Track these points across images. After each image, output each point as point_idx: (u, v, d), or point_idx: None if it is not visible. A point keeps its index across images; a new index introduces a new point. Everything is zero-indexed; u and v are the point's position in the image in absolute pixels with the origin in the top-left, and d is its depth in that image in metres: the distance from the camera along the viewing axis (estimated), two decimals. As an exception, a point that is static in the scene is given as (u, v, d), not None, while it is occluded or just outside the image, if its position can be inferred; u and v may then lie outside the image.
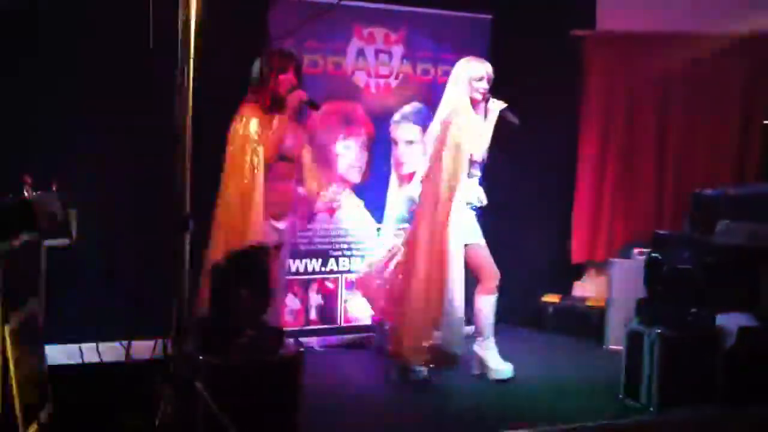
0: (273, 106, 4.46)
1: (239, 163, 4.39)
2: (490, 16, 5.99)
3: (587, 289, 6.39)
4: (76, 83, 4.62)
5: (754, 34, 5.84)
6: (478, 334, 4.97)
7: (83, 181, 3.87)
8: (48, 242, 3.44)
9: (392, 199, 5.74)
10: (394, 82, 5.82)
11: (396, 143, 5.75)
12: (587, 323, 6.01)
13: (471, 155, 4.84)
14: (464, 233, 4.83)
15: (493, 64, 4.96)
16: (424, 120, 5.82)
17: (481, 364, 4.96)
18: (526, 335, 5.93)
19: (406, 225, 5.38)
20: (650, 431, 4.37)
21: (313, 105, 4.64)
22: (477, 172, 4.95)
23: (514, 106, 5.29)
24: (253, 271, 3.98)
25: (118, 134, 4.40)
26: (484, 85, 4.90)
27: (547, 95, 5.56)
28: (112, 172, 4.53)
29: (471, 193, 4.89)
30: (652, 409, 4.44)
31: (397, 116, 5.78)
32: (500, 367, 4.93)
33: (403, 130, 5.77)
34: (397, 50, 5.81)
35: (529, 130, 5.23)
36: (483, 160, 4.94)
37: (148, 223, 3.82)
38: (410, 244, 4.94)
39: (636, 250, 5.62)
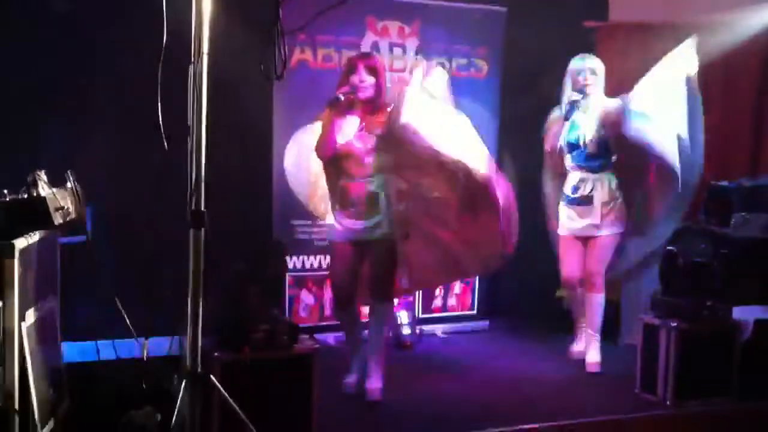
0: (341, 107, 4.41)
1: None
2: (504, 9, 5.97)
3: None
4: (88, 79, 4.63)
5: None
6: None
7: (99, 178, 3.88)
8: (64, 239, 3.46)
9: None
10: (408, 76, 5.79)
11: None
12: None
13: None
14: None
15: (506, 57, 4.95)
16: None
17: None
18: (540, 329, 5.92)
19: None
20: (666, 425, 4.35)
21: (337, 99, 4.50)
22: (575, 161, 5.14)
23: (528, 98, 5.29)
24: (266, 267, 4.01)
25: (134, 130, 4.39)
26: (582, 79, 5.03)
27: (560, 86, 5.51)
28: (128, 167, 4.54)
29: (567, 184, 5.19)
30: (668, 402, 4.44)
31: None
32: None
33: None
34: (411, 43, 5.80)
35: (543, 124, 5.23)
36: (582, 149, 5.09)
37: (164, 219, 3.83)
38: None
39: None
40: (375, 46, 5.65)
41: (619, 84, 5.39)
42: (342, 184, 4.39)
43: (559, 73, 5.16)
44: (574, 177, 5.07)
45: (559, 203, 5.20)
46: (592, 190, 5.00)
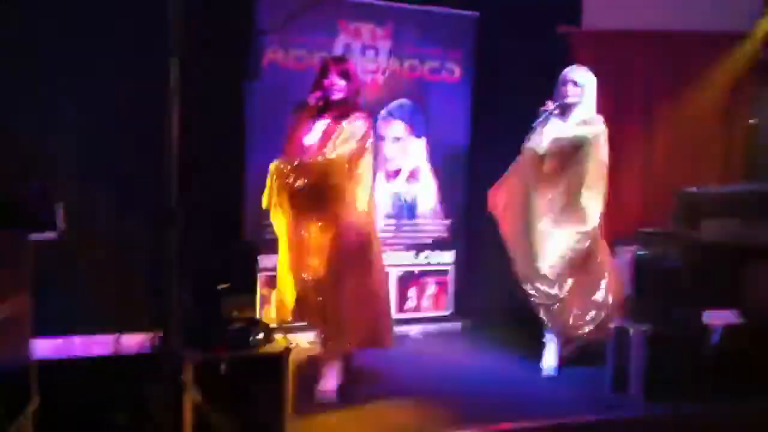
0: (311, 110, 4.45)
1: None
2: (476, 13, 5.99)
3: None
4: (56, 79, 4.55)
5: (740, 33, 5.87)
6: None
7: (70, 175, 3.82)
8: (34, 236, 3.39)
9: (379, 195, 5.72)
10: (381, 78, 5.80)
11: (382, 139, 5.73)
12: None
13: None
14: None
15: (479, 61, 4.96)
16: (410, 116, 5.82)
17: None
18: (512, 330, 5.93)
19: (392, 221, 5.35)
20: (636, 427, 4.38)
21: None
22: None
23: (500, 102, 5.28)
24: (239, 266, 3.97)
25: (106, 129, 4.35)
26: (566, 90, 4.95)
27: (533, 93, 5.54)
28: (99, 165, 4.48)
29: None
30: (638, 404, 4.46)
31: (383, 112, 5.77)
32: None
33: (389, 127, 5.76)
34: (384, 46, 5.79)
35: (515, 127, 5.23)
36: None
37: (137, 217, 3.78)
38: None
39: (622, 248, 5.62)
40: (347, 48, 5.63)
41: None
42: None
43: (532, 77, 5.18)
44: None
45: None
46: None
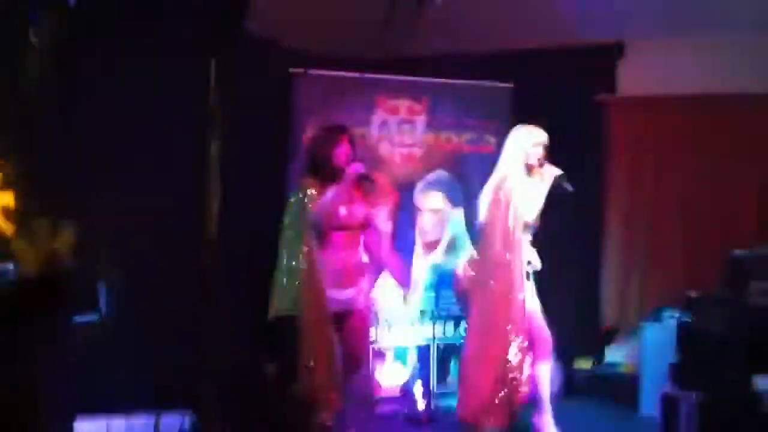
0: (331, 178, 4.46)
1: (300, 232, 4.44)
2: (510, 85, 6.05)
3: (620, 354, 6.28)
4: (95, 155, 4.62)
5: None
6: (534, 403, 4.83)
7: (109, 254, 3.89)
8: (77, 318, 3.45)
9: (418, 267, 5.72)
10: (418, 152, 5.86)
11: (420, 211, 5.77)
12: (620, 389, 5.89)
13: (524, 220, 4.78)
14: None
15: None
16: (448, 188, 5.85)
17: None
18: (558, 401, 5.82)
19: (432, 293, 5.34)
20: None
21: (368, 179, 4.57)
22: (528, 237, 4.87)
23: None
24: (281, 342, 3.99)
25: (144, 208, 4.42)
26: (540, 152, 4.87)
27: (571, 161, 5.55)
28: (139, 243, 4.54)
29: (524, 256, 4.81)
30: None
31: (421, 184, 5.81)
32: None
33: (427, 198, 5.79)
34: (421, 120, 5.87)
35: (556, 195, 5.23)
36: (535, 224, 4.87)
37: (176, 296, 3.83)
38: (474, 309, 4.85)
39: (667, 313, 5.54)
40: (384, 124, 5.73)
41: (630, 159, 5.44)
42: (328, 254, 4.44)
43: (566, 145, 5.18)
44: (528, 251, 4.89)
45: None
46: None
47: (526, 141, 4.87)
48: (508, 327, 4.65)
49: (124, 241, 3.92)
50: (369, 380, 4.88)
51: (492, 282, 4.71)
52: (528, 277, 4.82)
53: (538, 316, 4.84)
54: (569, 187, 4.85)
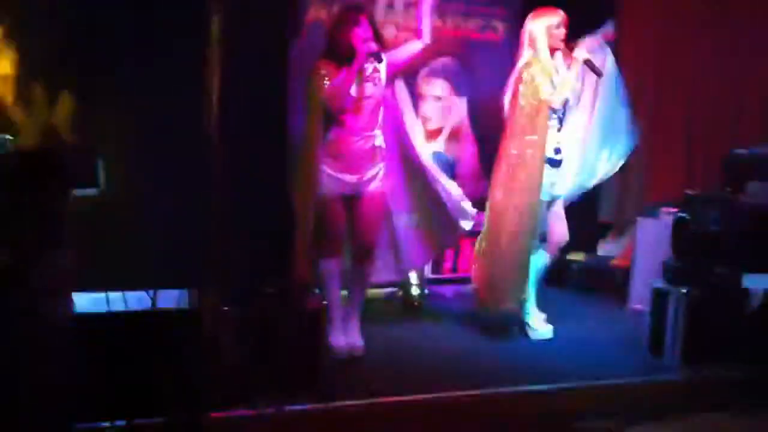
0: (348, 59, 4.32)
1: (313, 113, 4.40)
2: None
3: (613, 248, 6.34)
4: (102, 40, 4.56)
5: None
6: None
7: (109, 131, 3.86)
8: (76, 192, 3.46)
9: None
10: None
11: (423, 98, 5.71)
12: (611, 282, 6.00)
13: (549, 104, 4.70)
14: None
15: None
16: (453, 75, 5.78)
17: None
18: (550, 292, 5.92)
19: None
20: (674, 390, 4.36)
21: (378, 57, 4.41)
22: (555, 123, 4.80)
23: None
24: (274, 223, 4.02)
25: (147, 89, 4.37)
26: (562, 32, 4.76)
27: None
28: (140, 123, 4.52)
29: (548, 146, 4.76)
30: (675, 367, 4.44)
31: (425, 71, 5.73)
32: (541, 328, 4.94)
33: (431, 85, 5.73)
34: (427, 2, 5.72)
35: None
36: (562, 110, 4.81)
37: (178, 174, 3.83)
38: (493, 201, 4.89)
39: (664, 210, 5.56)
40: (390, 5, 5.59)
41: (637, 51, 5.31)
42: (336, 135, 4.39)
43: (578, 37, 5.08)
44: (554, 138, 4.84)
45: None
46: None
47: (547, 22, 4.75)
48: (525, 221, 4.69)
49: (125, 120, 3.89)
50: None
51: (514, 170, 4.70)
52: (553, 165, 4.79)
53: (555, 211, 4.86)
54: (599, 71, 4.76)
